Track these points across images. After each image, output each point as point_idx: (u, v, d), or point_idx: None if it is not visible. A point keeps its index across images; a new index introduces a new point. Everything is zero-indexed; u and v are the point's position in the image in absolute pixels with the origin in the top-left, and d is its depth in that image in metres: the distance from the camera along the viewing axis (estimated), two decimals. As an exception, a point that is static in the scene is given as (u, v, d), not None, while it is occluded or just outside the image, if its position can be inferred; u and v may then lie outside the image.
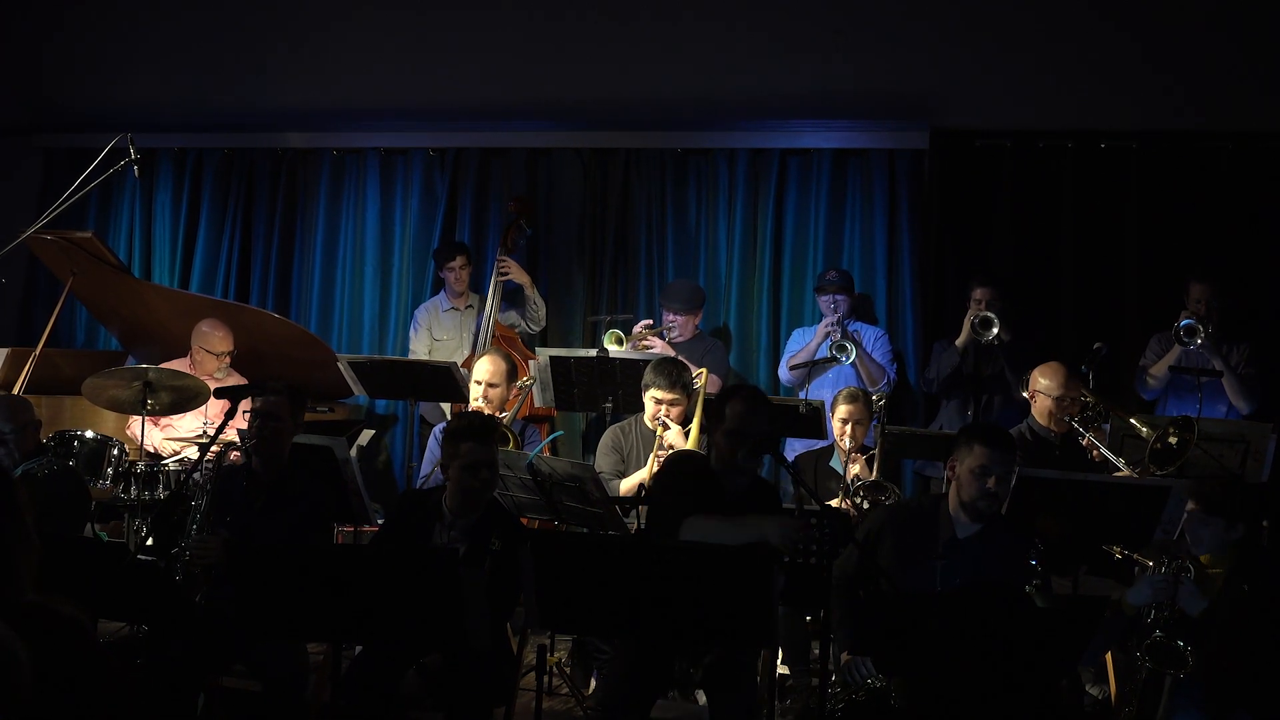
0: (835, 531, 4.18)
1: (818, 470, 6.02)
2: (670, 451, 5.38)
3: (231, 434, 5.15)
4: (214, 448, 4.71)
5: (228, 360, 6.76)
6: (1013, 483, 4.24)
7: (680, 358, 6.10)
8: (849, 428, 5.79)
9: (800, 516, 4.26)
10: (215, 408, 6.31)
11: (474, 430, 4.32)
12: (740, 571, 3.48)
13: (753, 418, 4.28)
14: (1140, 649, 4.01)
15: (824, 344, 6.63)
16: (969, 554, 4.05)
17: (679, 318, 6.85)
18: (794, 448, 6.69)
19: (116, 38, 8.51)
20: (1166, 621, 3.98)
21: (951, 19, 7.31)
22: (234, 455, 4.86)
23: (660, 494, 4.37)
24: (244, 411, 5.02)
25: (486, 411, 6.09)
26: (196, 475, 4.85)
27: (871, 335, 6.90)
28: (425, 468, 6.15)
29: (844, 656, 4.08)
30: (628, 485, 5.53)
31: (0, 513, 2.42)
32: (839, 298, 6.78)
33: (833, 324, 6.61)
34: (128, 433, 6.53)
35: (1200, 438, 5.28)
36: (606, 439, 5.84)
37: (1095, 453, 5.54)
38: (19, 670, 2.10)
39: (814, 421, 5.84)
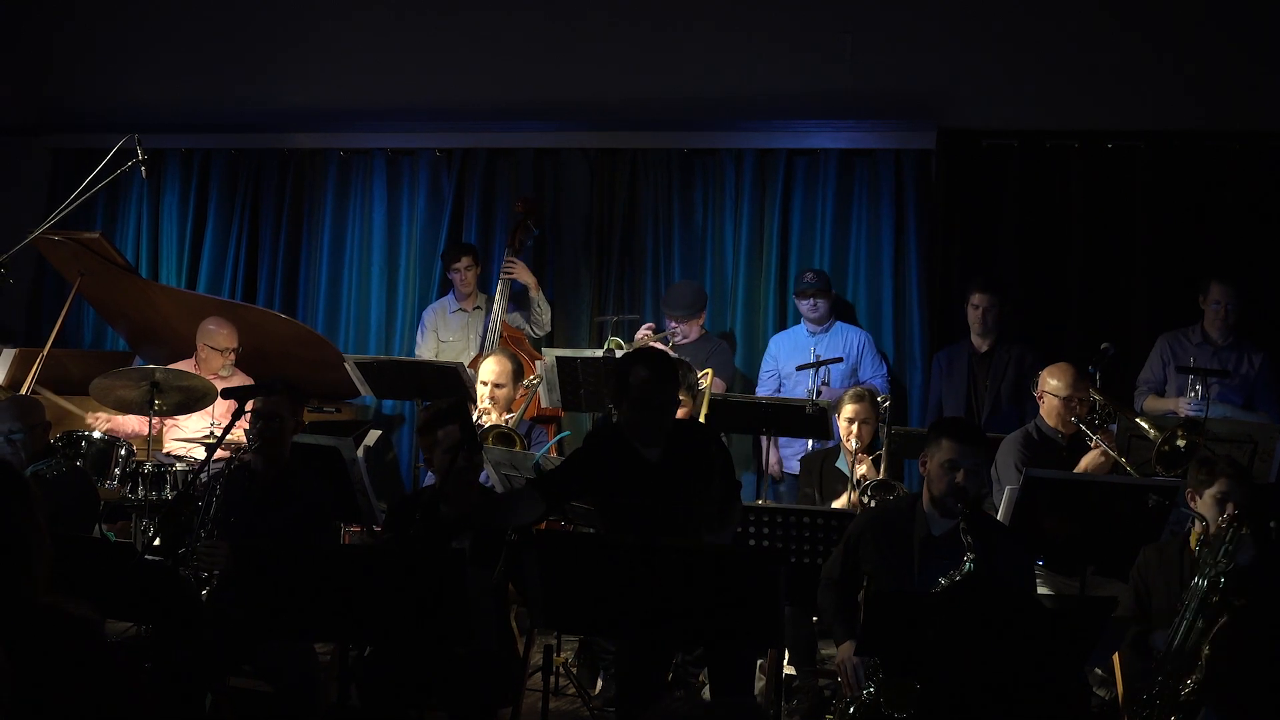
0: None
1: (824, 470, 6.02)
2: None
3: (239, 434, 5.16)
4: (221, 449, 4.72)
5: (232, 357, 6.77)
6: (983, 476, 4.23)
7: (685, 359, 6.10)
8: (855, 427, 5.78)
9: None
10: (222, 408, 6.32)
11: (446, 415, 4.41)
12: (746, 571, 3.48)
13: (660, 385, 4.08)
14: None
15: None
16: (945, 552, 4.03)
17: (681, 324, 6.85)
18: (796, 447, 6.70)
19: (123, 38, 8.53)
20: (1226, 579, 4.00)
21: (958, 19, 7.31)
22: (245, 457, 4.87)
23: (576, 458, 4.28)
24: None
25: (494, 412, 6.10)
26: (203, 475, 4.86)
27: (857, 340, 6.88)
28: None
29: (843, 650, 4.08)
30: None
31: (20, 515, 2.43)
32: (819, 301, 6.81)
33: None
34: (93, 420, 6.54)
35: (1207, 439, 5.27)
36: (612, 440, 5.82)
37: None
38: None
39: (820, 422, 5.84)
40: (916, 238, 7.24)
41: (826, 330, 6.90)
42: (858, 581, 4.22)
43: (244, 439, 5.08)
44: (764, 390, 6.93)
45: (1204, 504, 4.33)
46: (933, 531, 4.12)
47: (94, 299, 7.68)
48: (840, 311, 7.10)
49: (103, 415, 6.52)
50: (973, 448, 4.11)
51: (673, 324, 6.87)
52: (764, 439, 6.14)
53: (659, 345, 6.70)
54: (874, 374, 6.86)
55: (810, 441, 6.27)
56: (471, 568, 3.58)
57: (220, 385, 6.25)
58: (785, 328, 7.34)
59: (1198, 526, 4.30)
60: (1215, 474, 4.32)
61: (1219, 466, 4.36)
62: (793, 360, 6.70)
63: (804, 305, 6.88)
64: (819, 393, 6.16)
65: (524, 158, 7.86)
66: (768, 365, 7.00)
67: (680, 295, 6.97)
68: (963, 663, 3.57)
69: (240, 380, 6.67)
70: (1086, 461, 5.48)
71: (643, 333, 6.87)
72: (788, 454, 6.74)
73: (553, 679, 5.10)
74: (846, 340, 6.88)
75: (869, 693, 3.92)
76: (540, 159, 7.85)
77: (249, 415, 4.68)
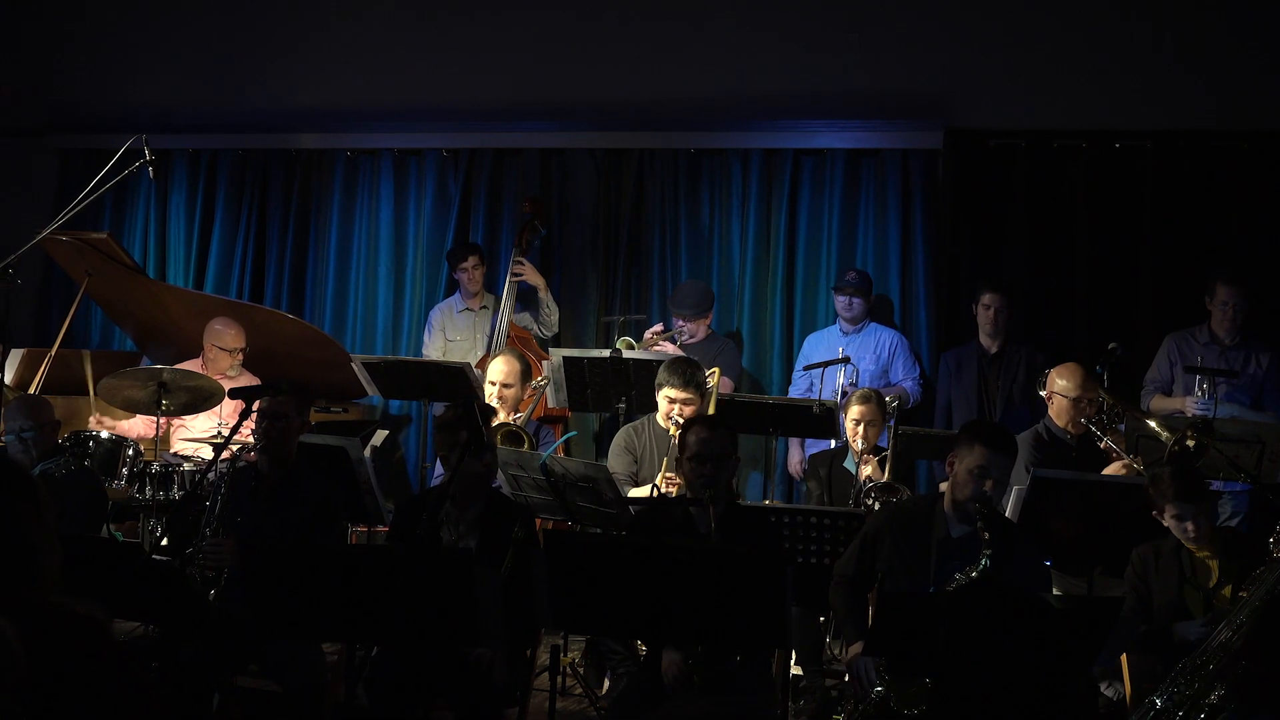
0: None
1: (832, 471, 6.01)
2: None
3: (247, 434, 5.17)
4: (229, 449, 4.72)
5: (240, 358, 6.78)
6: (1008, 484, 4.24)
7: (693, 358, 6.10)
8: (862, 429, 5.78)
9: None
10: (229, 408, 6.33)
11: (462, 416, 4.43)
12: (754, 573, 3.48)
13: (714, 439, 4.22)
14: None
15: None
16: (963, 554, 4.02)
17: (689, 323, 6.85)
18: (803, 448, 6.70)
19: (131, 39, 8.55)
20: None
21: (965, 19, 7.30)
22: (250, 456, 4.88)
23: None
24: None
25: (501, 412, 6.10)
26: (210, 475, 4.87)
27: (889, 342, 6.88)
28: (439, 468, 6.15)
29: (853, 650, 4.08)
30: (638, 495, 5.50)
31: (27, 514, 2.43)
32: (855, 300, 6.80)
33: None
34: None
35: (1216, 439, 5.26)
36: (619, 440, 5.83)
37: (1113, 455, 5.52)
38: (10, 655, 2.10)
39: (827, 422, 5.83)
40: (923, 238, 7.24)
41: (859, 331, 6.89)
42: (871, 580, 4.21)
43: (251, 438, 5.09)
44: (797, 389, 6.93)
45: (1168, 522, 4.37)
46: (951, 533, 4.11)
47: (101, 299, 7.70)
48: (879, 313, 7.09)
49: (106, 420, 6.54)
50: (1006, 457, 4.09)
51: (680, 323, 6.87)
52: (787, 438, 6.13)
53: (667, 345, 6.71)
54: (906, 376, 6.85)
55: (833, 441, 6.26)
56: (479, 567, 3.58)
57: (228, 385, 6.26)
58: (792, 328, 7.36)
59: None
60: (1163, 498, 4.34)
61: (1163, 487, 4.35)
62: (825, 359, 6.67)
63: (840, 302, 6.88)
64: (844, 393, 6.15)
65: (530, 158, 7.86)
66: (800, 365, 6.99)
67: (687, 294, 6.98)
68: (971, 663, 3.56)
69: (248, 380, 6.68)
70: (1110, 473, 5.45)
71: (650, 334, 6.87)
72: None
73: (559, 679, 5.12)
74: (878, 341, 6.87)
75: (879, 691, 3.91)
76: (547, 159, 7.85)
77: (255, 415, 4.69)
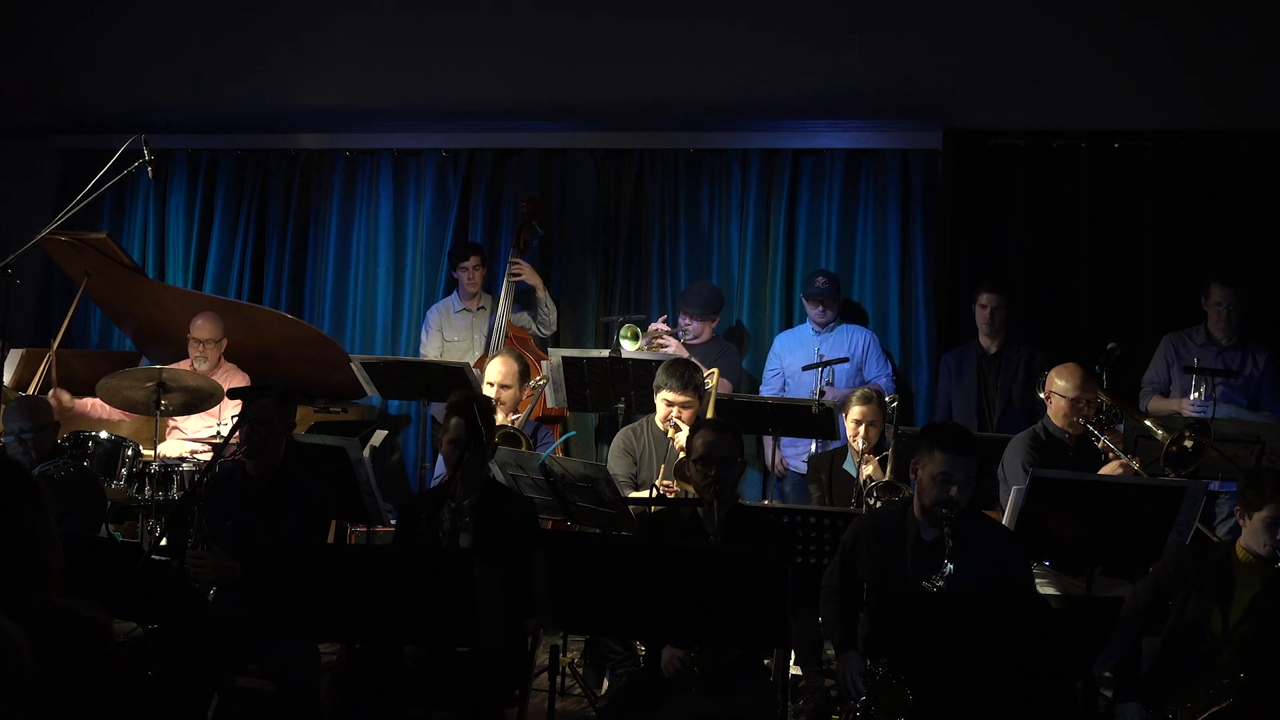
0: None
1: (832, 471, 6.01)
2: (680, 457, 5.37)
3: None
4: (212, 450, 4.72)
5: (208, 349, 6.71)
6: (974, 483, 4.19)
7: (693, 359, 6.10)
8: (863, 429, 5.78)
9: None
10: (227, 408, 6.33)
11: (457, 407, 4.48)
12: (754, 573, 3.48)
13: (719, 442, 4.25)
14: None
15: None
16: (937, 556, 4.02)
17: (695, 322, 6.85)
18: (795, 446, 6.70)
19: (132, 40, 8.55)
20: None
21: (965, 19, 7.29)
22: (238, 456, 4.84)
23: None
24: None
25: (500, 413, 6.10)
26: (207, 479, 4.86)
27: (862, 340, 6.89)
28: (439, 469, 6.15)
29: (842, 660, 4.09)
30: (638, 497, 5.49)
31: (32, 516, 2.43)
32: (829, 309, 6.83)
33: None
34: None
35: (1215, 439, 5.26)
36: (618, 442, 5.83)
37: (1110, 455, 5.52)
38: (18, 659, 2.11)
39: (827, 422, 5.83)
40: (923, 238, 7.24)
41: (831, 330, 6.90)
42: (857, 589, 4.21)
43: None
44: (768, 390, 6.94)
45: (1253, 526, 4.07)
46: (924, 537, 4.12)
47: (101, 299, 7.70)
48: (845, 311, 7.10)
49: (65, 395, 6.55)
50: (967, 459, 4.07)
51: (686, 320, 6.88)
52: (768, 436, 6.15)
53: (671, 340, 6.71)
54: (879, 373, 6.86)
55: (814, 442, 6.27)
56: (480, 567, 3.57)
57: (200, 376, 6.33)
58: (792, 327, 7.34)
59: (1242, 538, 4.10)
60: (1265, 497, 4.03)
61: (1268, 490, 4.05)
62: (797, 359, 6.71)
63: (813, 311, 6.89)
64: (822, 393, 6.15)
65: (530, 158, 7.86)
66: (772, 364, 7.01)
67: (697, 294, 6.99)
68: (970, 662, 3.56)
69: (227, 372, 6.72)
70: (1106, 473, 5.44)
71: (655, 326, 6.87)
72: (790, 453, 6.73)
73: (559, 679, 5.11)
74: (851, 340, 6.88)
75: (863, 701, 3.91)
76: (546, 159, 7.84)
77: (235, 418, 4.66)
